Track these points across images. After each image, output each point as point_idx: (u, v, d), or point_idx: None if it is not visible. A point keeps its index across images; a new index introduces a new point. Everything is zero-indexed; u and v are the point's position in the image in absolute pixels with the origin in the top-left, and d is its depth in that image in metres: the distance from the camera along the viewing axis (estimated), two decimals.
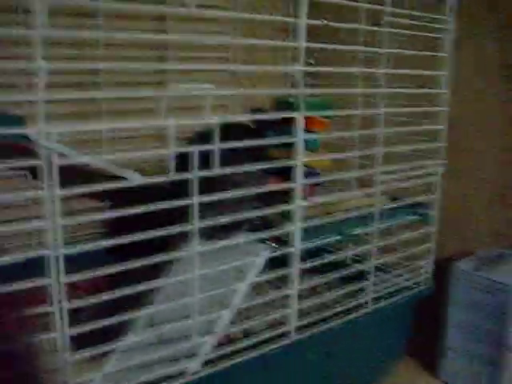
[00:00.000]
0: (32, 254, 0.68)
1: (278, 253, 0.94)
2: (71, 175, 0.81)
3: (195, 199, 0.79)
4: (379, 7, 0.97)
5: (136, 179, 0.79)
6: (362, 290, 1.09)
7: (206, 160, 0.80)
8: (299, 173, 0.90)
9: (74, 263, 0.72)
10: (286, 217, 0.93)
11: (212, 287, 0.87)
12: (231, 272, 0.92)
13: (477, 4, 1.27)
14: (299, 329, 0.99)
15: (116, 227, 0.84)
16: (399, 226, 1.14)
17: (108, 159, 1.17)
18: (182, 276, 0.84)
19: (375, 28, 0.98)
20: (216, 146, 0.79)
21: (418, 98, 1.10)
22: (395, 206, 1.11)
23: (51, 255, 0.70)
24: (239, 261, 0.91)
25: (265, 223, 0.94)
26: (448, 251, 1.33)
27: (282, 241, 0.95)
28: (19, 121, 0.69)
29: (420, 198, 1.16)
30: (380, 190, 1.05)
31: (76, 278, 0.72)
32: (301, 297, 0.98)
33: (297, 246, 0.94)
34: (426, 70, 1.09)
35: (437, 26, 1.08)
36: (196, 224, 0.80)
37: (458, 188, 1.33)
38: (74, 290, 0.79)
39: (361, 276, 1.09)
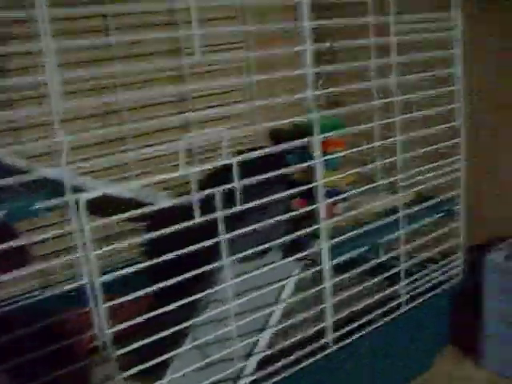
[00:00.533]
0: (72, 285, 0.73)
1: (309, 272, 0.96)
2: (102, 205, 0.85)
3: (222, 236, 0.82)
4: None
5: (164, 202, 0.82)
6: (396, 292, 1.11)
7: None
8: (321, 194, 0.93)
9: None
10: (314, 235, 0.96)
11: (249, 307, 0.90)
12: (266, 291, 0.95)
13: None
14: (337, 340, 1.02)
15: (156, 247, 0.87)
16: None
17: (134, 186, 1.21)
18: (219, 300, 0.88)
19: None
20: (237, 184, 0.82)
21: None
22: (420, 205, 1.12)
23: (87, 284, 0.73)
24: (273, 279, 0.94)
25: (295, 243, 0.97)
26: (479, 237, 1.33)
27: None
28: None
29: (445, 195, 1.16)
30: (405, 189, 1.07)
31: (114, 302, 0.76)
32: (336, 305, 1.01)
33: (326, 264, 0.96)
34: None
35: None
36: (226, 256, 0.83)
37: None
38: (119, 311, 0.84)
39: (393, 276, 1.11)
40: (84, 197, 0.71)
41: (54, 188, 0.72)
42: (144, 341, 0.79)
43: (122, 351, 0.78)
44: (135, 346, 0.78)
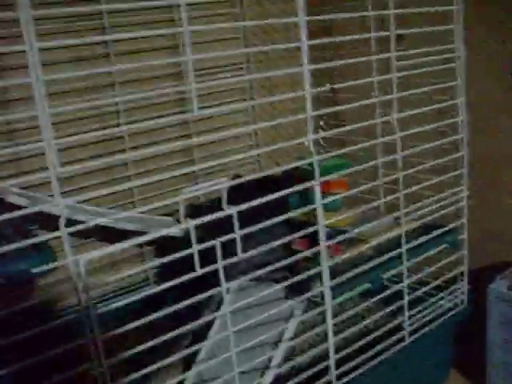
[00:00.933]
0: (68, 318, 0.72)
1: (311, 313, 0.96)
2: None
3: (220, 263, 0.82)
4: None
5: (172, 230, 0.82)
6: (399, 324, 1.11)
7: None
8: (322, 235, 0.92)
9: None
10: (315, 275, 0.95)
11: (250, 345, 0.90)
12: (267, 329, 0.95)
13: None
14: (340, 376, 1.02)
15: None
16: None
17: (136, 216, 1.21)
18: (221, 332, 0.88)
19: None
20: (238, 234, 0.81)
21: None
22: (423, 235, 1.11)
23: (83, 316, 0.72)
24: (275, 317, 0.94)
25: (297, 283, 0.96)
26: (483, 264, 1.33)
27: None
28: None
29: (448, 225, 1.16)
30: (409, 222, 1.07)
31: (110, 335, 0.75)
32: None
33: (329, 304, 0.96)
34: None
35: None
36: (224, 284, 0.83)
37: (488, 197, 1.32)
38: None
39: (397, 303, 1.11)
40: (84, 258, 0.70)
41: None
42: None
43: None
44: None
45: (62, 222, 0.69)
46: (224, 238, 0.80)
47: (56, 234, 0.69)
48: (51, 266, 0.70)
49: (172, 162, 1.39)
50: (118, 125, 1.35)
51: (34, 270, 0.70)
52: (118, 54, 1.32)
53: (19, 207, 1.04)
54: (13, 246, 0.69)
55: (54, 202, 0.67)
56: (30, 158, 1.24)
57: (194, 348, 0.86)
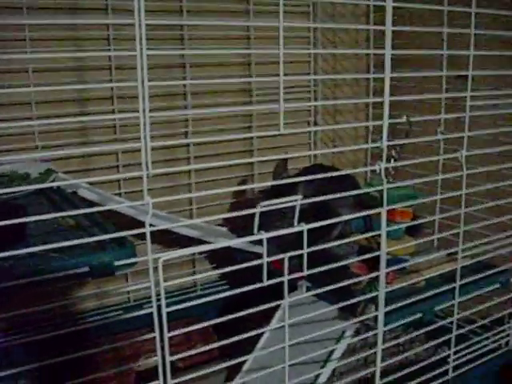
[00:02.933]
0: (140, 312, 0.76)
1: (361, 337, 0.98)
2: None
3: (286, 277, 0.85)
4: None
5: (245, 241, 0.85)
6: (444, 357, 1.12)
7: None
8: (383, 262, 0.95)
9: None
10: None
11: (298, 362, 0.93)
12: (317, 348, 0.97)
13: None
14: None
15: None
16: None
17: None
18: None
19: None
20: (306, 250, 0.85)
21: None
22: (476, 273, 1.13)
23: (154, 312, 0.76)
24: (325, 336, 0.96)
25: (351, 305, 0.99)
26: None
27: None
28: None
29: (501, 265, 1.17)
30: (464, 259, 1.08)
31: (178, 332, 0.77)
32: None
33: (380, 329, 0.98)
34: None
35: None
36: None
37: None
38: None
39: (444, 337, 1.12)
40: (163, 257, 0.74)
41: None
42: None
43: None
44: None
45: (147, 220, 0.73)
46: (291, 254, 0.84)
47: (140, 230, 0.73)
48: (133, 260, 0.74)
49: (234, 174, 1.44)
50: (186, 133, 1.41)
51: (117, 263, 0.74)
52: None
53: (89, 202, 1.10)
54: (97, 238, 0.74)
55: (143, 200, 0.71)
56: (98, 156, 1.30)
57: (242, 358, 0.89)
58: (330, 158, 1.57)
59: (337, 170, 1.11)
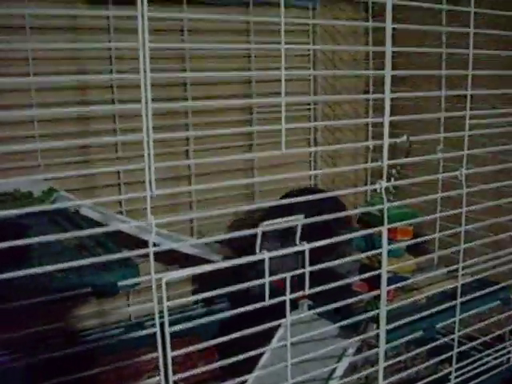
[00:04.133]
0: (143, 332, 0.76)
1: (363, 355, 0.99)
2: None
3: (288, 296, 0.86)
4: None
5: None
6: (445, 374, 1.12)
7: None
8: (384, 280, 0.95)
9: None
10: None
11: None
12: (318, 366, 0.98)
13: None
14: None
15: None
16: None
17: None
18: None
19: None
20: (308, 269, 0.85)
21: None
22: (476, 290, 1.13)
23: (157, 332, 0.76)
24: (327, 354, 0.97)
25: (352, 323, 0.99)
26: None
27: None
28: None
29: (501, 282, 1.17)
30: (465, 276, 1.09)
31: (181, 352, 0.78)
32: None
33: (382, 347, 0.98)
34: None
35: None
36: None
37: None
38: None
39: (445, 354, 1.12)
40: (167, 277, 0.74)
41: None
42: None
43: None
44: None
45: (151, 240, 0.73)
46: (293, 273, 0.84)
47: (144, 251, 0.74)
48: (137, 280, 0.74)
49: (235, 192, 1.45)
50: (187, 152, 1.42)
51: (121, 283, 0.74)
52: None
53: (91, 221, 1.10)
54: (102, 259, 0.74)
55: (146, 219, 0.72)
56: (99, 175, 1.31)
57: (243, 377, 0.89)
58: (331, 175, 1.58)
59: (320, 191, 1.11)
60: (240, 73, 1.45)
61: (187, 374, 0.79)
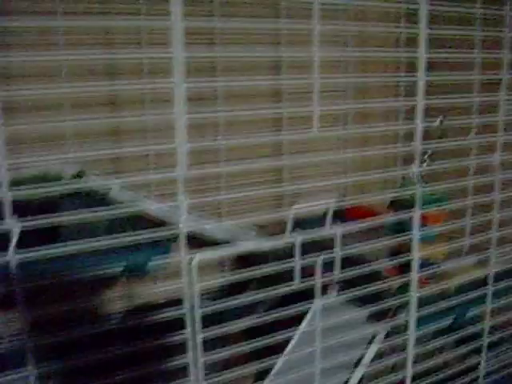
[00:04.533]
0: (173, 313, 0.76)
1: (391, 341, 0.98)
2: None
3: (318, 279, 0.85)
4: None
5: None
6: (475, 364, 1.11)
7: None
8: (415, 266, 0.94)
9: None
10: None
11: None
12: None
13: None
14: None
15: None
16: None
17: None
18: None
19: None
20: (338, 253, 0.84)
21: None
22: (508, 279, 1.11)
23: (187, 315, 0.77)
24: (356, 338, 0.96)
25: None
26: None
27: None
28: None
29: None
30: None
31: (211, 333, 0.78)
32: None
33: (412, 334, 0.97)
34: None
35: None
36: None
37: None
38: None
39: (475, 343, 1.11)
40: (198, 257, 0.74)
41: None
42: None
43: None
44: None
45: (182, 219, 0.73)
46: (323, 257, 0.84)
47: (175, 231, 0.74)
48: (169, 259, 0.74)
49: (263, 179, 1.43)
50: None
51: (153, 262, 0.74)
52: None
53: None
54: (132, 238, 0.74)
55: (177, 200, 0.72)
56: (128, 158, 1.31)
57: (270, 361, 0.89)
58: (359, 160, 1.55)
59: None
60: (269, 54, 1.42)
61: (218, 355, 0.79)
